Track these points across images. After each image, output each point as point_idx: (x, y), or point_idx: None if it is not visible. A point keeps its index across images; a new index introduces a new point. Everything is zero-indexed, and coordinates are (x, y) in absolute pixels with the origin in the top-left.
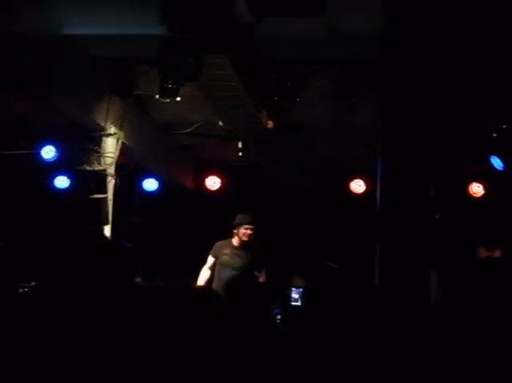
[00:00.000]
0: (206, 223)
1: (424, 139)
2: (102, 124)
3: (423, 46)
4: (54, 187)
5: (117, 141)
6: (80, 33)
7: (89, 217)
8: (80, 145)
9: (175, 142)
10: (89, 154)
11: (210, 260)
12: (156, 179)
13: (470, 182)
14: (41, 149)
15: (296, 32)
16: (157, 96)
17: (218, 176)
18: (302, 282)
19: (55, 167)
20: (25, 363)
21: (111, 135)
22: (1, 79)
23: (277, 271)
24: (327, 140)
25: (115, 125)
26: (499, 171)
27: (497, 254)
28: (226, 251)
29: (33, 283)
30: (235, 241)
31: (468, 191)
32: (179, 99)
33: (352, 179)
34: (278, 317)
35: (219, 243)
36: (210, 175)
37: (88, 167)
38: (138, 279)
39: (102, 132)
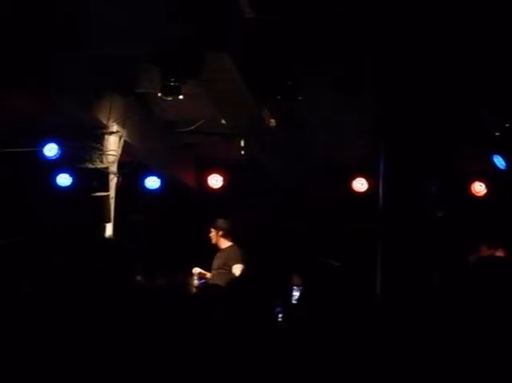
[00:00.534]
0: (208, 221)
1: (426, 138)
2: (104, 122)
3: (423, 44)
4: (56, 184)
5: (119, 139)
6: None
7: (91, 215)
8: (83, 143)
9: (178, 140)
10: (92, 152)
11: None
12: (158, 178)
13: (473, 181)
14: (43, 147)
15: None
16: (159, 95)
17: (220, 174)
18: (303, 280)
19: (57, 165)
20: (26, 363)
21: (113, 133)
22: (1, 79)
23: (278, 270)
24: (328, 138)
25: (117, 123)
26: (502, 170)
27: (499, 253)
28: None
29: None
30: None
31: (471, 190)
32: (181, 97)
33: (354, 178)
34: (280, 316)
35: None
36: (212, 173)
37: (90, 165)
38: (139, 278)
39: (104, 130)
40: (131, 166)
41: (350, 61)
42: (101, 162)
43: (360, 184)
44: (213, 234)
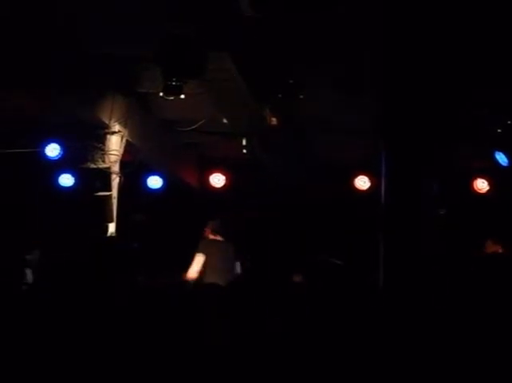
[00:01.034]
0: (210, 220)
1: (426, 137)
2: (106, 122)
3: (423, 44)
4: (59, 185)
5: (121, 139)
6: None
7: (94, 215)
8: (85, 143)
9: (179, 139)
10: (94, 152)
11: None
12: (161, 177)
13: (475, 178)
14: (45, 147)
15: None
16: (161, 94)
17: (222, 173)
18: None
19: (60, 165)
20: (27, 362)
21: (115, 133)
22: (1, 79)
23: (279, 268)
24: (329, 138)
25: (119, 123)
26: (504, 166)
27: (504, 249)
28: None
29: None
30: None
31: (473, 187)
32: (183, 97)
33: (356, 176)
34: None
35: None
36: (214, 172)
37: (92, 165)
38: (140, 278)
39: (106, 130)
40: (134, 166)
41: (350, 61)
42: (103, 162)
43: (362, 182)
44: (207, 234)
